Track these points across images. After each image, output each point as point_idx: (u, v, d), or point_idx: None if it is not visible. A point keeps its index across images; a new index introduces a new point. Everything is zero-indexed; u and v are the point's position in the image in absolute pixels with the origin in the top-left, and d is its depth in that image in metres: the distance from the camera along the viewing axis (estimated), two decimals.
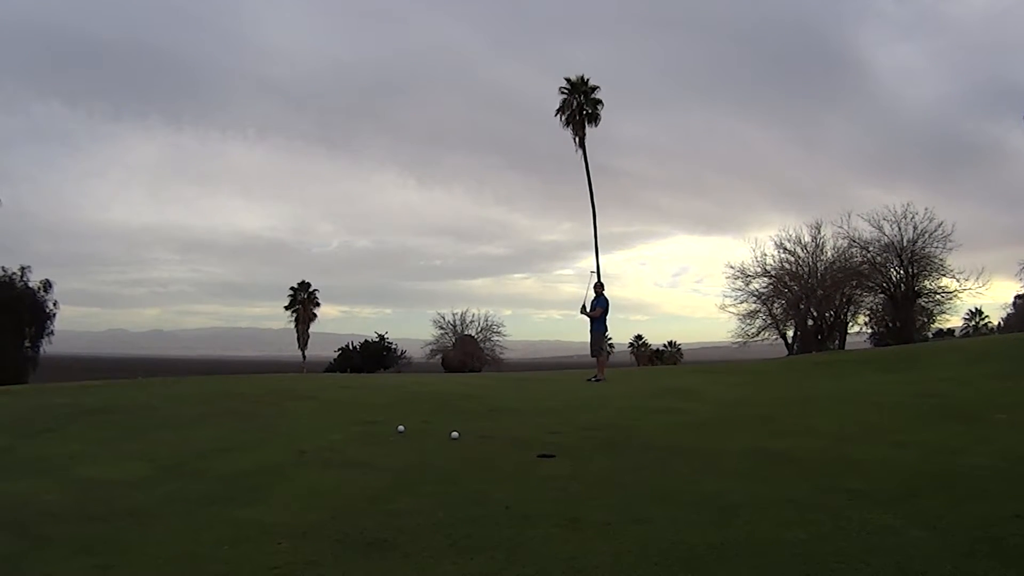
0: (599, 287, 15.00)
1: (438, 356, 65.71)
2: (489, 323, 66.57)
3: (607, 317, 15.00)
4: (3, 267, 38.91)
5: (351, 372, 65.55)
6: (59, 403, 9.75)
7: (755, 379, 14.11)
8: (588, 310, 14.65)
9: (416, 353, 67.84)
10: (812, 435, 7.08)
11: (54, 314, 40.55)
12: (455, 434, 6.77)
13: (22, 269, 39.66)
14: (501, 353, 65.43)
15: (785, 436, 7.02)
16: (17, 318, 37.98)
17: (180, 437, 7.06)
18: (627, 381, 14.35)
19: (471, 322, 66.28)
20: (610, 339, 15.94)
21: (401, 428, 7.09)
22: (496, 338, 65.41)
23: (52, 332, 40.76)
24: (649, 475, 5.40)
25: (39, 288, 40.13)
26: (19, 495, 5.07)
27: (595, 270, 15.08)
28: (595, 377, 14.13)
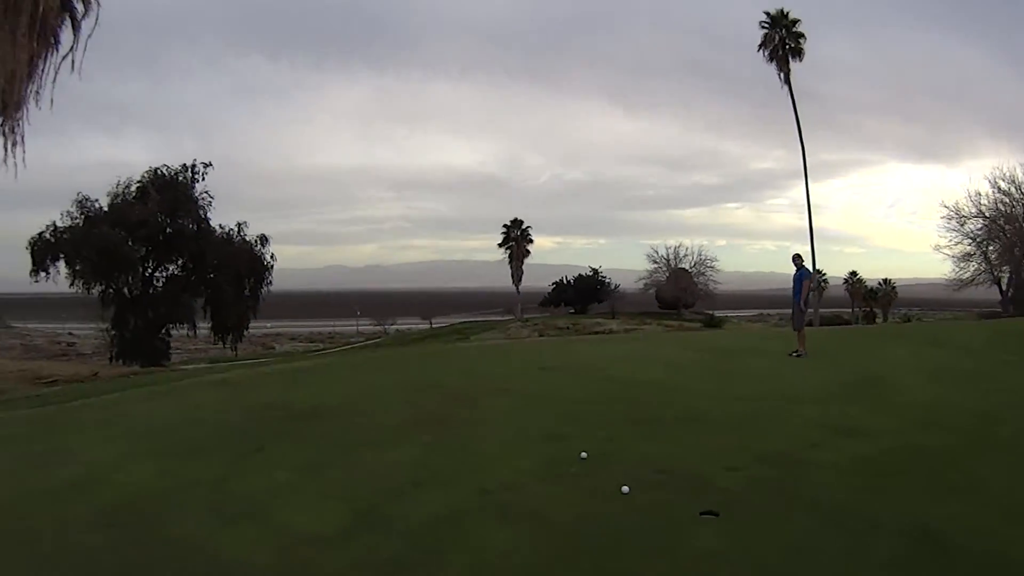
0: (798, 260, 14.68)
1: (652, 290, 66.71)
2: (702, 257, 66.61)
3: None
4: (220, 224, 42.38)
5: (565, 305, 67.94)
6: (270, 403, 10.41)
7: (971, 360, 13.18)
8: (805, 301, 14.66)
9: (629, 286, 69.31)
10: None
11: (271, 265, 43.85)
12: (625, 489, 6.35)
13: (239, 225, 43.12)
14: (714, 288, 65.51)
15: None
16: (236, 271, 41.47)
17: (378, 460, 7.35)
18: (827, 357, 13.81)
19: (684, 256, 66.63)
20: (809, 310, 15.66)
21: (584, 455, 7.09)
22: (709, 272, 65.50)
23: (271, 282, 44.12)
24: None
25: (256, 242, 43.39)
26: (223, 552, 5.31)
27: (798, 253, 14.55)
28: (796, 352, 13.97)
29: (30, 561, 5.31)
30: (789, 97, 45.53)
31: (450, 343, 34.47)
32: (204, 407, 10.62)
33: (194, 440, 8.41)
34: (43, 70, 19.25)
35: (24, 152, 19.14)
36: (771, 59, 45.52)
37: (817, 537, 5.32)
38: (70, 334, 63.86)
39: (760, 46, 45.69)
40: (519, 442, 7.66)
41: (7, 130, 18.88)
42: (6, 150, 18.91)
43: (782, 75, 45.48)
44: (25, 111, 19.09)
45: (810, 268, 14.98)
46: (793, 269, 14.76)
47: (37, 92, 19.22)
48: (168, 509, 6.17)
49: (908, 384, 10.82)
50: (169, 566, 5.17)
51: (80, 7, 19.67)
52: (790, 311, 15.64)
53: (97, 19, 19.70)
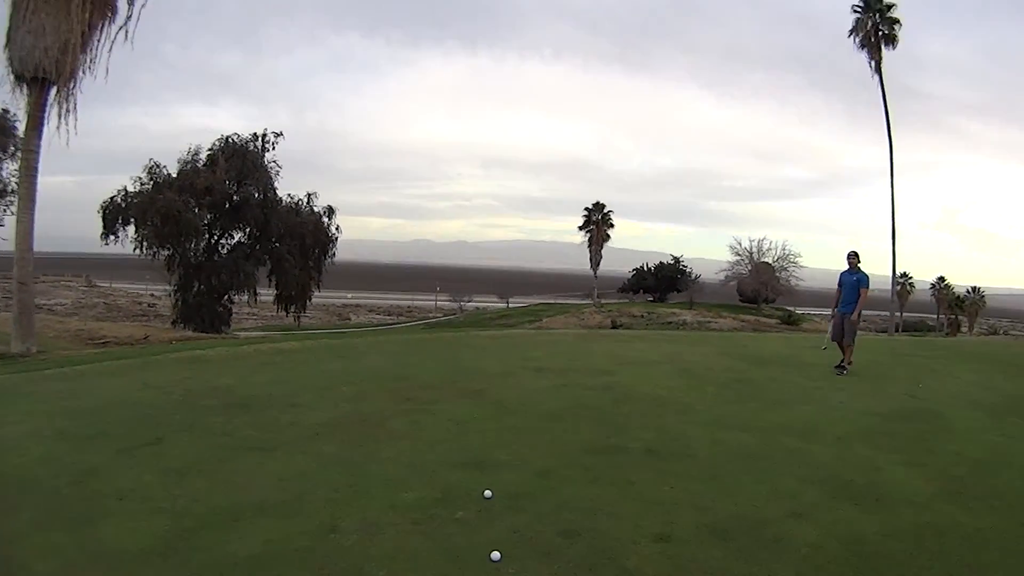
0: (855, 259, 12.68)
1: (732, 283, 65.97)
2: (786, 252, 65.60)
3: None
4: (289, 194, 42.52)
5: (644, 292, 67.39)
6: (215, 388, 9.81)
7: None
8: (859, 314, 12.54)
9: (710, 277, 68.46)
10: None
11: (336, 237, 43.81)
12: (496, 556, 4.73)
13: (308, 196, 43.18)
14: (796, 284, 64.54)
15: None
16: (301, 241, 41.62)
17: (255, 470, 6.44)
18: (875, 378, 11.99)
19: (768, 249, 65.57)
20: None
21: (488, 493, 5.75)
22: (792, 267, 64.64)
23: (334, 254, 44.20)
24: None
25: (323, 213, 43.45)
26: (15, 558, 4.71)
27: (854, 251, 12.41)
28: (842, 365, 12.34)
29: None
30: (879, 86, 44.04)
31: (503, 326, 33.37)
32: (151, 386, 10.39)
33: (107, 424, 8.10)
34: (99, 40, 19.49)
35: (76, 120, 19.35)
36: (862, 46, 44.01)
37: None
38: (151, 295, 66.08)
39: (851, 32, 44.19)
40: (431, 466, 6.50)
41: (61, 99, 19.14)
42: (60, 118, 19.17)
43: (873, 63, 43.96)
44: (77, 80, 19.27)
45: (867, 273, 12.65)
46: (844, 267, 12.78)
47: (92, 62, 19.50)
48: (18, 499, 5.78)
49: (964, 425, 8.67)
50: None
51: None
52: (832, 316, 12.99)
53: None
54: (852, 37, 44.10)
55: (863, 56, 44.15)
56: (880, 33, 43.26)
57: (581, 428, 8.03)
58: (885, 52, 43.65)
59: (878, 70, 43.74)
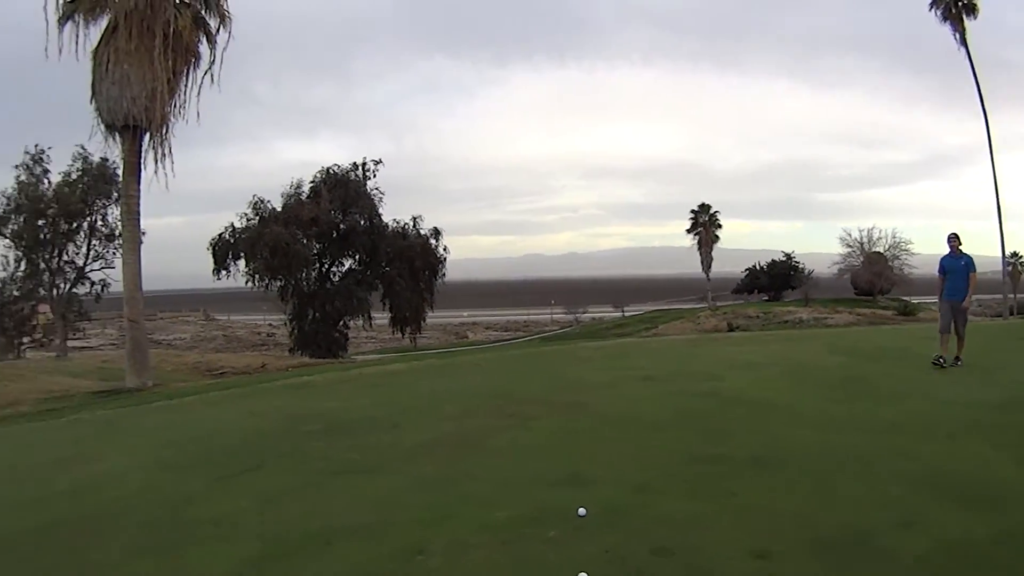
0: (955, 241, 11.72)
1: (846, 275, 64.29)
2: (897, 240, 63.33)
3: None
4: (395, 219, 43.50)
5: (758, 292, 66.01)
6: (320, 413, 9.80)
7: None
8: (969, 299, 11.59)
9: (823, 271, 66.88)
10: None
11: (444, 258, 44.58)
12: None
13: (413, 219, 44.10)
14: (910, 272, 62.04)
15: None
16: (410, 264, 42.39)
17: (349, 492, 6.35)
18: (990, 371, 11.03)
19: (878, 239, 63.57)
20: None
21: (582, 511, 5.43)
22: (904, 255, 62.19)
23: (444, 274, 44.86)
24: None
25: (429, 235, 44.18)
26: None
27: (955, 233, 11.42)
28: (955, 358, 11.48)
29: None
30: (968, 59, 41.65)
31: (622, 335, 32.95)
32: (256, 414, 10.60)
33: (209, 452, 8.27)
34: (186, 85, 20.24)
35: (173, 163, 20.10)
36: (944, 19, 41.91)
37: None
38: (270, 325, 68.51)
39: (931, 5, 42.26)
40: (526, 483, 6.22)
41: (155, 144, 19.93)
42: (156, 162, 19.96)
43: (957, 35, 41.68)
44: (169, 125, 20.04)
45: (971, 255, 11.62)
46: (946, 250, 11.79)
47: (182, 107, 20.25)
48: (113, 529, 5.79)
49: None
50: None
51: (213, 22, 20.41)
52: (940, 306, 12.05)
53: (230, 33, 20.44)
54: (932, 10, 42.41)
55: (947, 29, 42.27)
56: (960, 3, 41.36)
57: (684, 438, 7.62)
58: (968, 23, 41.61)
59: (964, 42, 41.67)
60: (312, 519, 5.70)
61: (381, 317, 45.28)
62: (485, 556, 4.78)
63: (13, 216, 37.98)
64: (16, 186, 38.01)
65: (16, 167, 38.09)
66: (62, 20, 18.76)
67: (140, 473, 7.52)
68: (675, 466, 6.57)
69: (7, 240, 38.14)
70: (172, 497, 6.55)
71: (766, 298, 66.00)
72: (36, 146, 38.70)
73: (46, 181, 38.66)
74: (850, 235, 65.02)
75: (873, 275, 60.95)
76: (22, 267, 39.29)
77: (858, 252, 64.23)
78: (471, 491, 6.15)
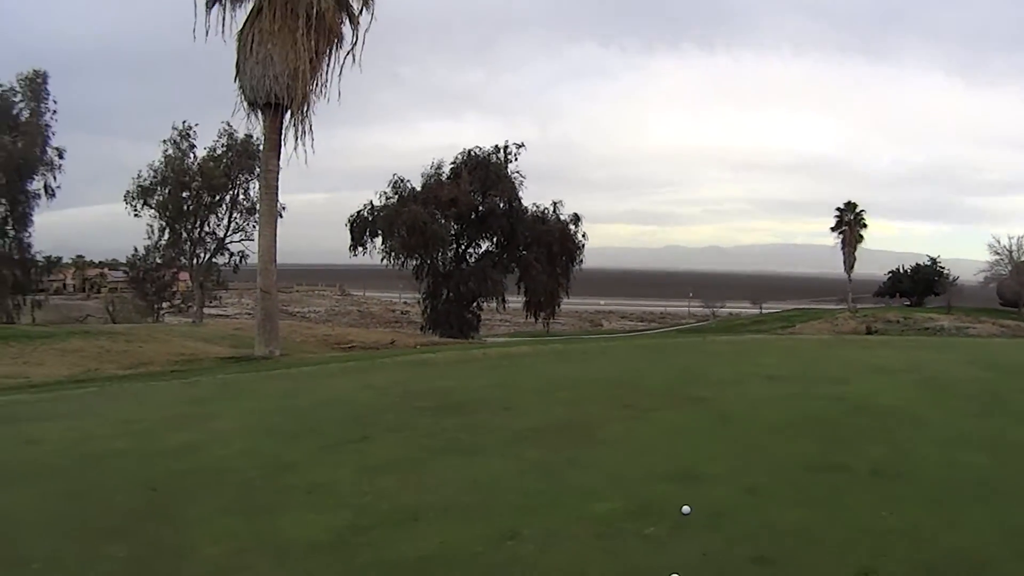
0: None
1: (992, 285, 60.68)
2: None
3: None
4: (535, 203, 43.47)
5: (900, 296, 62.64)
6: (435, 390, 9.79)
7: None
8: None
9: (968, 279, 63.37)
10: None
11: (583, 244, 44.34)
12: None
13: (554, 204, 44.02)
14: None
15: None
16: (548, 249, 42.32)
17: (448, 473, 6.19)
18: None
19: None
20: None
21: (686, 509, 5.07)
22: None
23: (582, 261, 44.57)
24: None
25: (569, 221, 43.98)
26: (198, 548, 4.49)
27: None
28: None
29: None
30: None
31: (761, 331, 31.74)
32: (372, 387, 10.66)
33: (318, 422, 8.36)
34: (328, 66, 20.80)
35: (313, 140, 20.76)
36: None
37: None
38: (404, 303, 70.07)
39: None
40: (633, 476, 5.85)
41: (296, 121, 20.61)
42: (297, 139, 20.66)
43: None
44: (310, 104, 20.70)
45: None
46: None
47: (324, 86, 20.86)
48: (211, 487, 5.92)
49: None
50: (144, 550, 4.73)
51: (356, 4, 20.85)
52: None
53: (373, 14, 20.80)
54: None
55: None
56: None
57: (804, 442, 7.03)
58: None
59: None
60: (406, 494, 5.57)
61: (515, 300, 45.45)
62: (576, 548, 4.50)
63: (159, 188, 40.15)
64: (163, 160, 40.23)
65: (164, 142, 40.37)
66: (210, 4, 19.76)
67: (246, 437, 7.66)
68: (791, 471, 6.05)
69: (152, 210, 40.37)
70: (273, 462, 6.60)
71: (908, 303, 62.62)
72: (184, 122, 40.97)
73: (192, 156, 40.82)
74: (999, 242, 60.85)
75: (1021, 285, 56.70)
76: (165, 236, 41.66)
77: (1006, 260, 60.00)
78: (574, 480, 5.86)
